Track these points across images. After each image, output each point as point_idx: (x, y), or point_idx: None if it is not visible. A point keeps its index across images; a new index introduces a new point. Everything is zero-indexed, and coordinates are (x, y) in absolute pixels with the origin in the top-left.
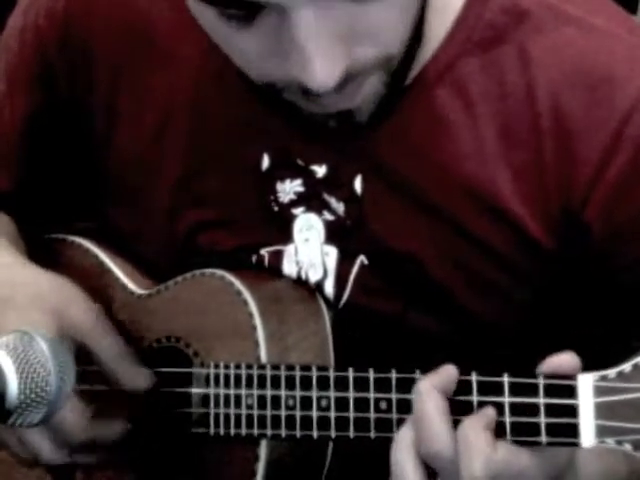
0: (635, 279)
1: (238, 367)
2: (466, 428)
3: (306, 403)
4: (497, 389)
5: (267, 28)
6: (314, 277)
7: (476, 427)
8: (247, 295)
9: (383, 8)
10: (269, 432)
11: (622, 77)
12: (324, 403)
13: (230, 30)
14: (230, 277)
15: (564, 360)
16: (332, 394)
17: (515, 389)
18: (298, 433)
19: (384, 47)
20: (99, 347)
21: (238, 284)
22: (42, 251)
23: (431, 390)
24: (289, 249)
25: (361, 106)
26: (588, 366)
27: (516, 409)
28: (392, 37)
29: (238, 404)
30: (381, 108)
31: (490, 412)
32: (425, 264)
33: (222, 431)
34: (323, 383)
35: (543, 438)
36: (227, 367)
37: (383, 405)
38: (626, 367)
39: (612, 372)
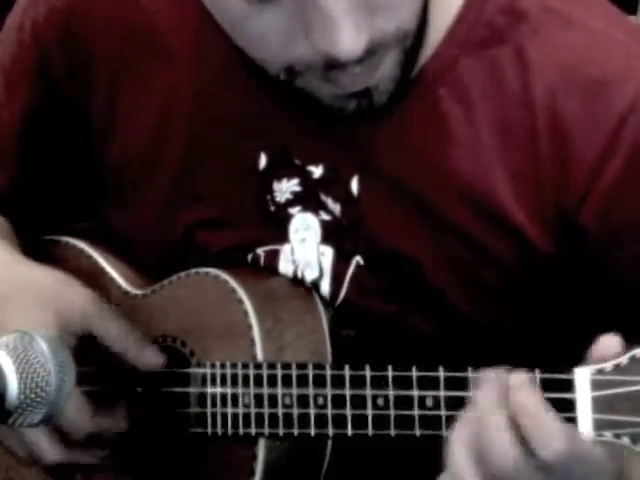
0: (632, 281)
1: (234, 366)
2: (532, 410)
3: (303, 401)
4: None
5: (290, 1)
6: (310, 276)
7: (538, 403)
8: (242, 293)
9: None
10: (267, 431)
11: (619, 79)
12: (321, 401)
13: (250, 11)
14: (225, 276)
15: (612, 343)
16: (329, 391)
17: None
18: (296, 431)
19: (401, 21)
20: (105, 329)
21: (233, 282)
22: (37, 253)
23: (492, 399)
24: (285, 249)
25: (379, 85)
26: None
27: None
28: (408, 11)
29: (235, 403)
30: (392, 96)
31: (523, 377)
32: (421, 265)
33: (220, 430)
34: (319, 381)
35: None
36: (223, 366)
37: (380, 402)
38: (623, 360)
39: (609, 365)
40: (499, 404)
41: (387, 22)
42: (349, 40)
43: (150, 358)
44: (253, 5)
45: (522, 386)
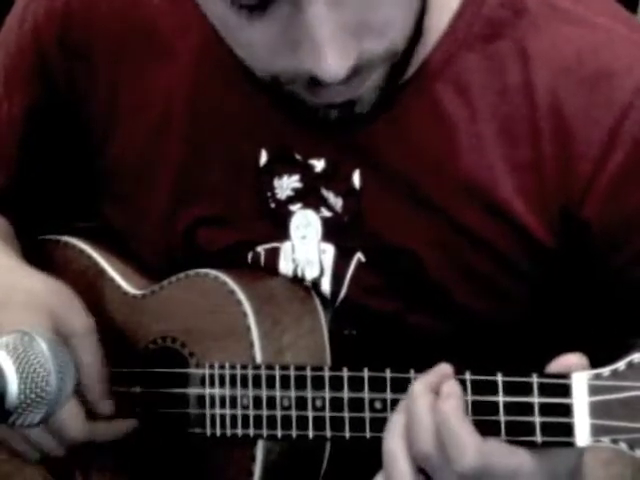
0: (635, 276)
1: (233, 367)
2: (451, 421)
3: (301, 403)
4: (491, 388)
5: (279, 19)
6: (310, 275)
7: (459, 416)
8: (241, 295)
9: (391, 3)
10: (265, 432)
11: (620, 73)
12: (319, 403)
13: (239, 21)
14: (224, 277)
15: (572, 361)
16: (327, 394)
17: (509, 388)
18: (294, 433)
19: (390, 42)
20: (81, 361)
21: (232, 284)
22: (36, 253)
23: (424, 392)
24: (285, 246)
25: (363, 97)
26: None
27: (511, 408)
28: (398, 33)
29: (234, 404)
30: (381, 100)
31: (456, 390)
32: (423, 261)
33: (218, 432)
34: (318, 383)
35: (538, 437)
36: (222, 367)
37: (378, 405)
38: (620, 365)
39: (606, 370)
40: (428, 397)
41: (375, 44)
42: (333, 64)
43: (101, 408)
44: (242, 17)
45: (449, 396)
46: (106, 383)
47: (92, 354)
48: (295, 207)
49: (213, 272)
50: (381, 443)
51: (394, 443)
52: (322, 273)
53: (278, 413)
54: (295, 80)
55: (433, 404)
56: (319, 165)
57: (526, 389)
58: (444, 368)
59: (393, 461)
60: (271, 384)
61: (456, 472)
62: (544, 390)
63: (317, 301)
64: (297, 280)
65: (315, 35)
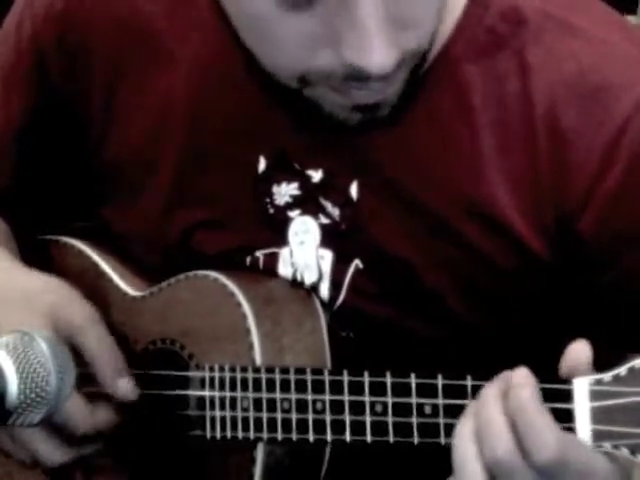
0: (630, 290)
1: (233, 370)
2: (529, 409)
3: (301, 406)
4: None
5: (325, 8)
6: (309, 279)
7: (537, 404)
8: (240, 297)
9: (426, 0)
10: (265, 435)
11: (619, 87)
12: (319, 406)
13: (278, 14)
14: (223, 278)
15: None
16: (327, 397)
17: None
18: (294, 436)
19: (421, 39)
20: (91, 349)
21: (231, 285)
22: (35, 253)
23: (496, 396)
24: (284, 252)
25: (387, 99)
26: None
27: None
28: (428, 29)
29: (234, 407)
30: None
31: (530, 380)
32: (418, 270)
33: (219, 434)
34: (318, 386)
35: None
36: (222, 369)
37: (379, 408)
38: (622, 370)
39: (607, 376)
40: (500, 401)
41: (411, 40)
42: (381, 55)
43: (122, 388)
44: (283, 9)
45: (525, 385)
46: (120, 367)
47: (99, 342)
48: (294, 213)
49: (213, 274)
50: (382, 446)
51: (465, 448)
52: (321, 278)
53: (278, 415)
54: (328, 77)
55: (505, 405)
56: (316, 176)
57: None
58: (510, 374)
59: (465, 467)
60: (271, 386)
61: (535, 466)
62: (546, 395)
63: (317, 303)
64: (297, 282)
65: (363, 25)
